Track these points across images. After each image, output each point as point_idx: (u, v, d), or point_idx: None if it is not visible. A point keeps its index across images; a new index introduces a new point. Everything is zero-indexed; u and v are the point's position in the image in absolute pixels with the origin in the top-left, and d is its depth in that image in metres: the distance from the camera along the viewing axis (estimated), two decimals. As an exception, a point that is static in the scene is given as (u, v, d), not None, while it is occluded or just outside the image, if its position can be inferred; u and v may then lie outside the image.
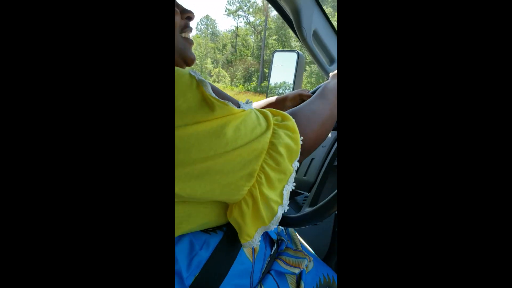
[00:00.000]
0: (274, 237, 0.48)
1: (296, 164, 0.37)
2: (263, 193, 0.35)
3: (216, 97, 0.32)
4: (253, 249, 0.45)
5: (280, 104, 0.74)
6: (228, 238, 0.41)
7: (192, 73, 0.33)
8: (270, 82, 1.13)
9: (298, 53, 1.05)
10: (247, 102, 0.38)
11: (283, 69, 1.11)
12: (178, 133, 0.30)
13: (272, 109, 0.40)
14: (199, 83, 0.33)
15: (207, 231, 0.41)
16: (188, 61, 0.49)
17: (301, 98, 0.73)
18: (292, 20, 1.00)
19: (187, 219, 0.37)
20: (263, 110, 0.39)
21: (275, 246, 0.49)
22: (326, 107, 0.45)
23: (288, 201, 0.38)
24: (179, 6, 0.49)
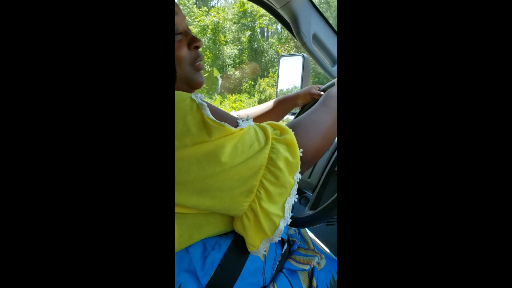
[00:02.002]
0: (284, 236, 0.52)
1: (298, 176, 0.39)
2: (263, 208, 0.37)
3: (214, 119, 0.34)
4: None
5: (290, 102, 0.77)
6: (238, 240, 0.44)
7: (193, 96, 0.36)
8: (278, 88, 1.17)
9: (303, 56, 1.08)
10: (247, 119, 0.40)
11: (290, 74, 1.14)
12: (179, 153, 0.33)
13: (272, 122, 0.41)
14: (199, 107, 0.35)
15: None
16: (195, 86, 0.51)
17: (311, 96, 0.75)
18: (291, 26, 1.03)
19: (198, 230, 0.40)
20: (263, 125, 0.40)
21: (286, 245, 0.53)
22: (329, 115, 0.45)
23: (291, 214, 0.39)
24: (187, 34, 0.50)
